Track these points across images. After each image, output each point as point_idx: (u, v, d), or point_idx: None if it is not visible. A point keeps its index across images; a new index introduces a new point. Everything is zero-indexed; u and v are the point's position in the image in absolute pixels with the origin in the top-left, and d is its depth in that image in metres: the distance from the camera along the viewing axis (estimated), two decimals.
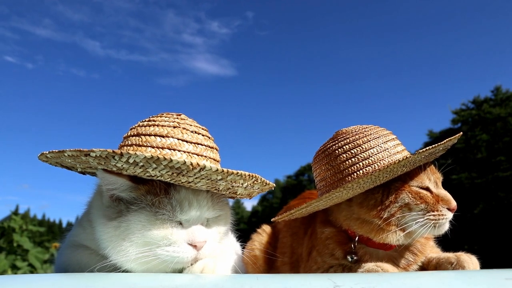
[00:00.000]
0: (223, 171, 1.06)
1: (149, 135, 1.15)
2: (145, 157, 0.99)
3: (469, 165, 21.74)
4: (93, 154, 1.01)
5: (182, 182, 1.08)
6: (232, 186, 1.15)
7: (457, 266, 1.20)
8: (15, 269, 4.86)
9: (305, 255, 1.50)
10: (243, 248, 1.70)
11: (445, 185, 1.38)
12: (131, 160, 1.00)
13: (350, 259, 1.34)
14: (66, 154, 1.05)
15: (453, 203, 1.29)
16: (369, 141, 1.33)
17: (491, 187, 20.36)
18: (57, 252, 1.41)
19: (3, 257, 4.88)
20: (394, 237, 1.28)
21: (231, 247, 1.45)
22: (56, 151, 1.05)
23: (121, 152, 0.98)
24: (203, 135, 1.21)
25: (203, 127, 1.25)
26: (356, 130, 1.39)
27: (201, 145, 1.18)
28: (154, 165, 1.01)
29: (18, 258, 5.00)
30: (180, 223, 1.11)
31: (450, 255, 1.26)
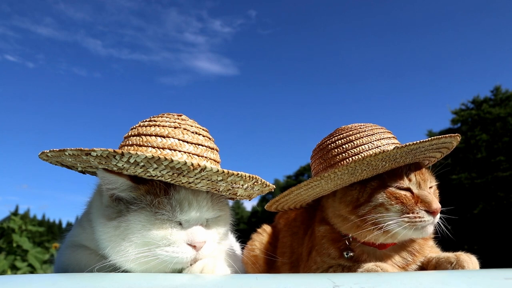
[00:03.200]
0: (223, 172, 1.06)
1: (150, 135, 1.15)
2: (146, 157, 0.99)
3: (469, 165, 21.73)
4: (94, 154, 1.01)
5: (182, 183, 1.08)
6: (232, 187, 1.15)
7: (457, 266, 1.20)
8: (14, 269, 4.86)
9: (305, 254, 1.50)
10: (243, 248, 1.70)
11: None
12: (132, 160, 1.00)
13: (346, 255, 1.34)
14: (67, 153, 1.05)
15: (433, 206, 1.24)
16: (362, 137, 1.34)
17: (490, 187, 20.35)
18: (56, 252, 1.40)
19: (3, 258, 4.87)
20: (372, 236, 1.27)
21: (231, 247, 1.45)
22: (57, 150, 1.06)
23: (122, 151, 0.99)
24: (203, 136, 1.21)
25: (204, 128, 1.25)
26: (352, 127, 1.40)
27: (202, 146, 1.18)
28: (155, 165, 1.01)
29: (18, 259, 4.99)
30: (180, 224, 1.11)
31: (450, 255, 1.25)
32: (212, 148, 1.22)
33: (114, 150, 0.99)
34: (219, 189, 1.14)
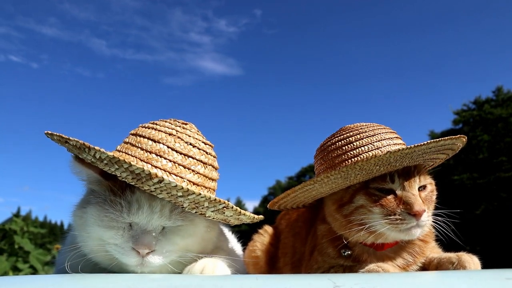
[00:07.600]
0: (182, 188, 1.01)
1: (144, 137, 1.15)
2: (108, 156, 1.00)
3: (471, 166, 21.67)
4: (71, 143, 1.03)
5: (145, 189, 1.05)
6: (197, 207, 1.09)
7: (458, 266, 1.18)
8: (16, 270, 4.86)
9: (307, 254, 1.50)
10: (245, 249, 1.70)
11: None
12: (97, 156, 1.01)
13: (343, 254, 1.34)
14: (55, 138, 1.07)
15: (415, 208, 1.19)
16: (362, 139, 1.32)
17: (492, 188, 20.28)
18: (58, 254, 1.41)
19: (5, 259, 4.87)
20: (359, 236, 1.26)
21: (232, 248, 1.45)
22: (50, 132, 1.07)
23: (89, 145, 1.00)
24: (199, 149, 1.18)
25: (207, 142, 1.22)
26: (354, 128, 1.39)
27: (192, 158, 1.14)
28: (116, 166, 1.01)
29: (20, 260, 5.00)
30: (130, 225, 1.09)
31: (452, 255, 1.24)
32: (206, 163, 1.17)
33: (84, 143, 1.00)
34: (183, 204, 1.08)
